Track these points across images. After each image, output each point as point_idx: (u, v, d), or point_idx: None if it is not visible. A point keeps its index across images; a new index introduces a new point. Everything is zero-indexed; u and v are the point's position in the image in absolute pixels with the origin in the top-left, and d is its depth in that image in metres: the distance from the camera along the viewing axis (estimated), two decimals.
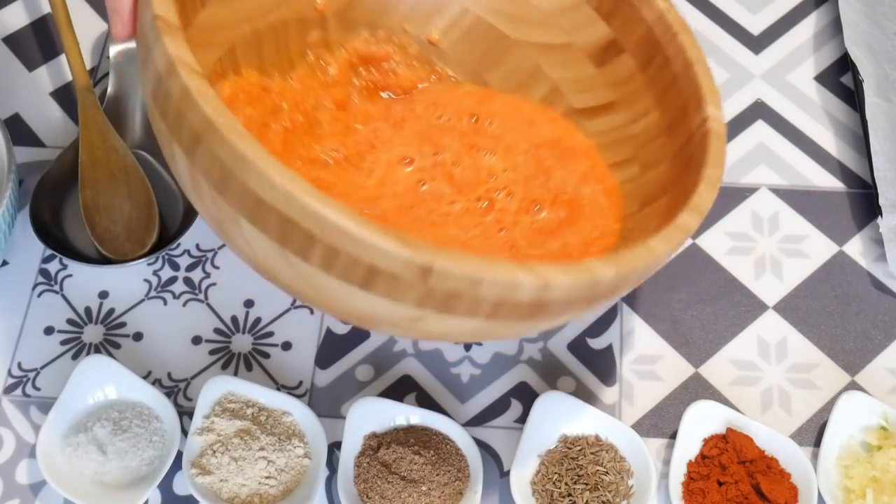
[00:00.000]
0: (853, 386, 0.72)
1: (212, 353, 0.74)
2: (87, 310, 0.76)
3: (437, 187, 0.71)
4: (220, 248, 0.78)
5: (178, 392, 0.73)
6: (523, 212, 0.71)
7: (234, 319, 0.75)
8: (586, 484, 0.66)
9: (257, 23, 0.72)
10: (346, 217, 0.52)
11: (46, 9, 0.90)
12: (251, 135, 0.54)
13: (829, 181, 0.80)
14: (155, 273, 0.77)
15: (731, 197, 0.80)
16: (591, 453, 0.67)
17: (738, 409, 0.71)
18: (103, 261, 0.76)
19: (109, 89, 0.83)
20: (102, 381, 0.71)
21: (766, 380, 0.72)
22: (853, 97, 0.84)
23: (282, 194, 0.53)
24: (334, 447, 0.70)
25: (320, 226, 0.52)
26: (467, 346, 0.74)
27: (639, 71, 0.68)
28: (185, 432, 0.70)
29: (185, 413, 0.72)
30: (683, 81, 0.65)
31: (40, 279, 0.77)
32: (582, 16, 0.70)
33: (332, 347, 0.74)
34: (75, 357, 0.74)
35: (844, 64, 0.86)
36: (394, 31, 0.74)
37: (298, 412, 0.70)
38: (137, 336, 0.75)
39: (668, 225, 0.62)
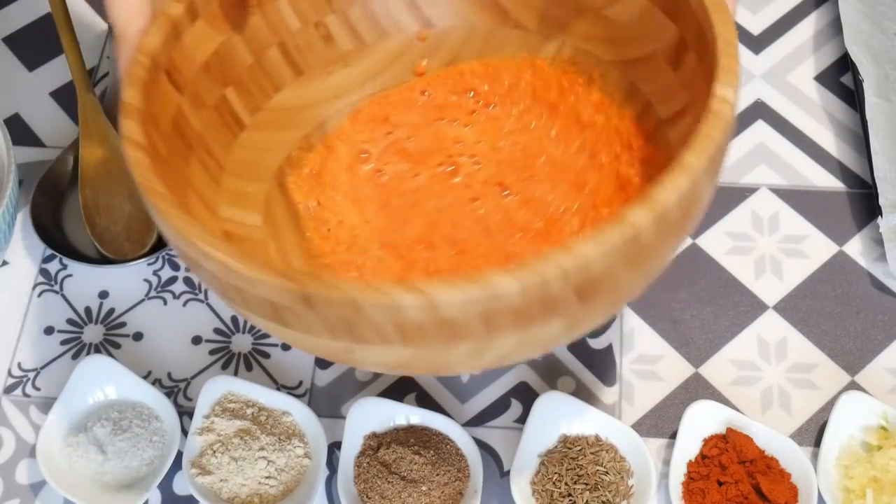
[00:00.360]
0: (853, 386, 0.72)
1: (212, 352, 0.74)
2: (87, 310, 0.76)
3: (394, 168, 0.70)
4: None
5: (178, 392, 0.73)
6: (490, 186, 0.69)
7: (234, 319, 0.75)
8: (586, 484, 0.66)
9: (351, 97, 0.73)
10: (228, 254, 0.53)
11: (46, 9, 0.90)
12: (169, 195, 0.56)
13: (829, 181, 0.80)
14: (155, 273, 0.77)
15: (731, 197, 0.80)
16: (591, 453, 0.67)
17: (738, 409, 0.71)
18: (103, 261, 0.76)
19: (109, 89, 0.83)
20: (102, 381, 0.71)
21: (766, 380, 0.72)
22: (853, 97, 0.84)
23: (184, 241, 0.54)
24: (334, 447, 0.70)
25: (214, 265, 0.54)
26: None
27: (699, 64, 0.66)
28: (185, 432, 0.70)
29: (185, 413, 0.72)
30: (714, 61, 0.60)
31: (40, 279, 0.77)
32: (656, 21, 0.68)
33: None
34: (75, 357, 0.74)
35: (844, 64, 0.86)
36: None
37: (298, 412, 0.70)
38: (137, 336, 0.75)
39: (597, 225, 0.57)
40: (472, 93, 0.73)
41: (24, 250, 0.78)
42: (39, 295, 0.77)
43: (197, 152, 0.66)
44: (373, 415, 0.69)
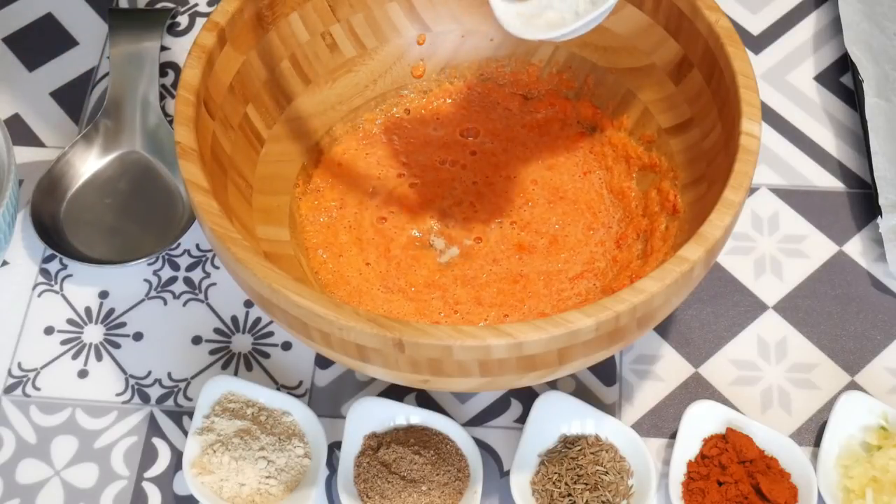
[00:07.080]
0: (853, 386, 0.72)
1: (212, 352, 0.74)
2: (87, 310, 0.76)
3: (397, 218, 0.73)
4: None
5: (178, 392, 0.73)
6: (491, 222, 0.73)
7: (234, 319, 0.75)
8: (586, 484, 0.66)
9: (354, 101, 0.76)
10: (317, 302, 0.56)
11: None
12: (243, 238, 0.59)
13: (829, 181, 0.80)
14: (155, 273, 0.77)
15: None
16: (591, 453, 0.67)
17: (737, 409, 0.71)
18: (103, 261, 0.76)
19: (109, 90, 0.83)
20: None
21: (765, 380, 0.72)
22: (853, 97, 0.84)
23: (267, 288, 0.58)
24: (334, 447, 0.70)
25: (301, 312, 0.57)
26: None
27: (706, 85, 0.68)
28: (185, 432, 0.70)
29: (185, 413, 0.72)
30: (732, 94, 0.64)
31: (40, 279, 0.77)
32: (655, 36, 0.71)
33: None
34: (75, 357, 0.74)
35: (844, 64, 0.86)
36: (494, 75, 0.78)
37: (298, 412, 0.70)
38: (137, 336, 0.75)
39: (664, 260, 0.62)
40: (472, 137, 0.77)
41: (24, 250, 0.78)
42: (39, 295, 0.77)
43: (230, 175, 0.68)
44: (373, 415, 0.69)
